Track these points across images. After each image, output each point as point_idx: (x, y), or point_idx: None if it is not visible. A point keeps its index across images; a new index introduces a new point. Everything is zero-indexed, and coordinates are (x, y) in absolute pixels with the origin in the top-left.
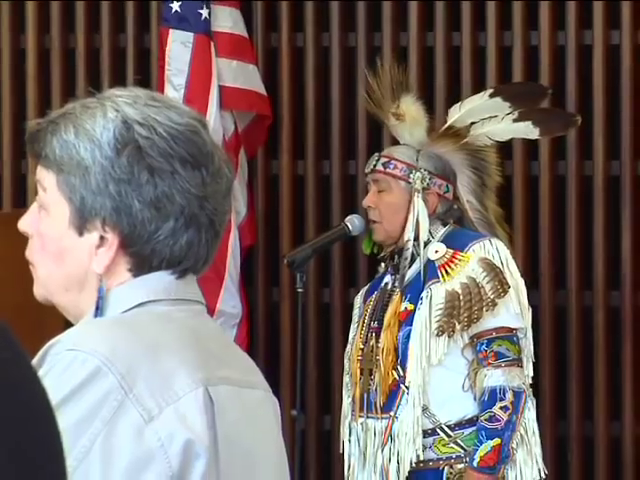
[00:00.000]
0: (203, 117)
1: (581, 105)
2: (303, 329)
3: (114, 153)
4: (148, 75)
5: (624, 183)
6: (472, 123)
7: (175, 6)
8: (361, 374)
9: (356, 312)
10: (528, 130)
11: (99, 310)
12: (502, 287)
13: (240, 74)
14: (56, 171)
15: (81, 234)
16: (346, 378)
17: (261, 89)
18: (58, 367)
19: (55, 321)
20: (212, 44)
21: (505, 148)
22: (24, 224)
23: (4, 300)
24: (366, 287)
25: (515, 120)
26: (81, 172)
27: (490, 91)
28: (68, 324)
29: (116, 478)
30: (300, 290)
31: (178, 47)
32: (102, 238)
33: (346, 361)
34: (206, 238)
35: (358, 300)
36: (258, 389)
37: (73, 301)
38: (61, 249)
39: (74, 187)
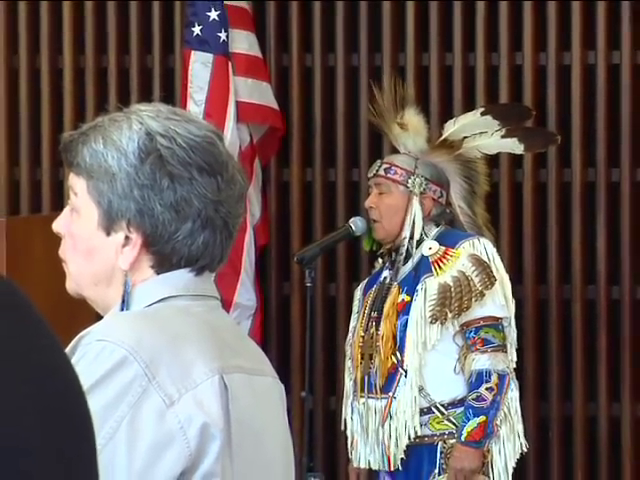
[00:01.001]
0: (220, 130)
1: (560, 119)
2: (311, 319)
3: (138, 161)
4: (173, 92)
5: (599, 189)
6: (465, 137)
7: (197, 30)
8: (362, 359)
9: (356, 303)
10: (514, 146)
11: (125, 304)
12: (489, 280)
13: (255, 91)
14: (86, 177)
15: (108, 234)
16: (347, 363)
17: (274, 104)
18: (89, 356)
19: (87, 314)
20: (230, 64)
21: (492, 157)
22: (57, 225)
23: (43, 295)
24: (365, 281)
25: (503, 136)
26: (108, 178)
27: (482, 109)
28: (99, 317)
29: (140, 457)
30: (309, 285)
31: (199, 67)
32: (127, 238)
33: (347, 347)
34: (221, 239)
35: (358, 293)
36: (267, 376)
37: (101, 295)
38: (90, 248)
39: (102, 192)
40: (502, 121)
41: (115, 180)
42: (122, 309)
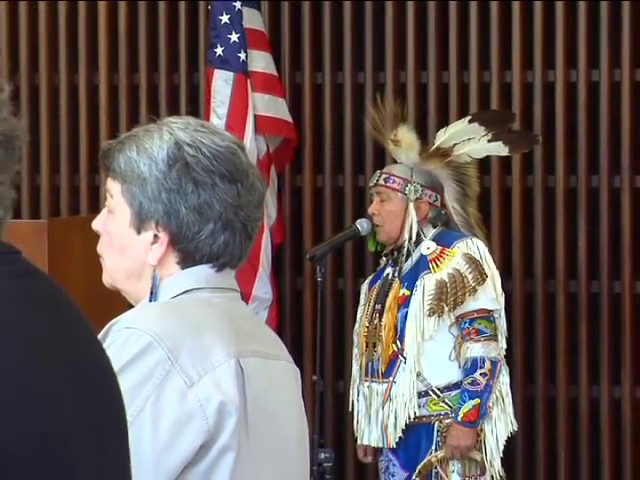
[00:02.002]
0: (242, 142)
1: (545, 131)
2: (322, 311)
3: (166, 168)
4: (197, 106)
5: (580, 194)
6: (455, 144)
7: (219, 51)
8: (366, 346)
9: (362, 297)
10: (500, 148)
11: (153, 295)
12: (481, 277)
13: (271, 105)
14: (121, 181)
15: (139, 233)
16: (355, 350)
17: (288, 117)
18: (118, 341)
19: (119, 306)
20: (249, 81)
21: (484, 164)
22: (96, 224)
23: (80, 289)
24: (370, 277)
25: (489, 140)
26: (140, 182)
27: (469, 117)
28: (130, 308)
29: (163, 432)
30: (319, 279)
31: (221, 84)
32: (156, 236)
33: (355, 336)
34: (240, 239)
35: (364, 287)
36: (282, 360)
37: (133, 287)
38: (123, 245)
39: (134, 194)
40: (488, 127)
41: (146, 184)
42: (151, 300)
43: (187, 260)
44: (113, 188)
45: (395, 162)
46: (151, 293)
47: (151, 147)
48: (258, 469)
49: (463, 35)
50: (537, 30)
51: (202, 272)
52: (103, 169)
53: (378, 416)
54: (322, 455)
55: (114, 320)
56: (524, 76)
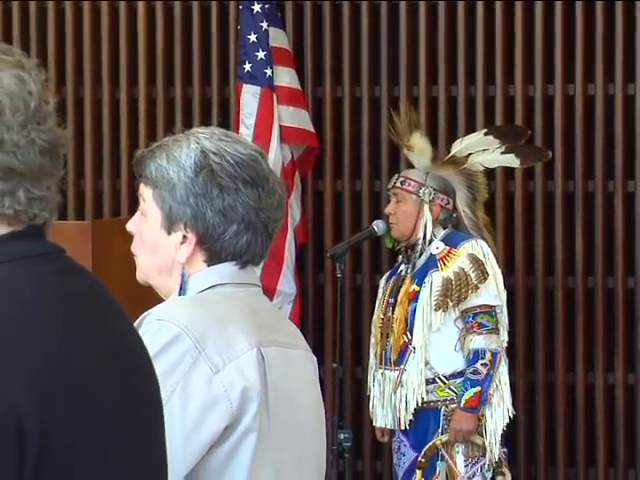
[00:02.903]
0: (263, 150)
1: (545, 140)
2: (341, 304)
3: (194, 174)
4: (228, 117)
5: (577, 198)
6: (470, 154)
7: (247, 67)
8: (381, 337)
9: (380, 291)
10: (512, 160)
11: (182, 290)
12: (483, 275)
13: (295, 117)
14: (152, 187)
15: (169, 233)
16: (372, 339)
17: (310, 128)
18: (150, 332)
19: (155, 300)
20: (274, 95)
21: (489, 171)
22: (130, 226)
23: (121, 285)
24: (387, 273)
25: (502, 153)
26: (170, 188)
27: (485, 130)
28: (162, 302)
29: (191, 415)
30: (339, 276)
31: (249, 97)
32: (184, 237)
33: (372, 327)
34: (261, 239)
35: (382, 282)
36: (300, 349)
37: (164, 283)
38: (155, 244)
39: (164, 199)
40: (502, 140)
41: (175, 189)
42: (180, 294)
43: (213, 258)
44: (145, 193)
45: (412, 167)
46: (180, 288)
47: (180, 155)
48: (278, 449)
49: (470, 53)
50: (537, 48)
51: (226, 269)
52: (136, 175)
53: (391, 400)
54: (341, 435)
55: (146, 312)
56: (526, 90)
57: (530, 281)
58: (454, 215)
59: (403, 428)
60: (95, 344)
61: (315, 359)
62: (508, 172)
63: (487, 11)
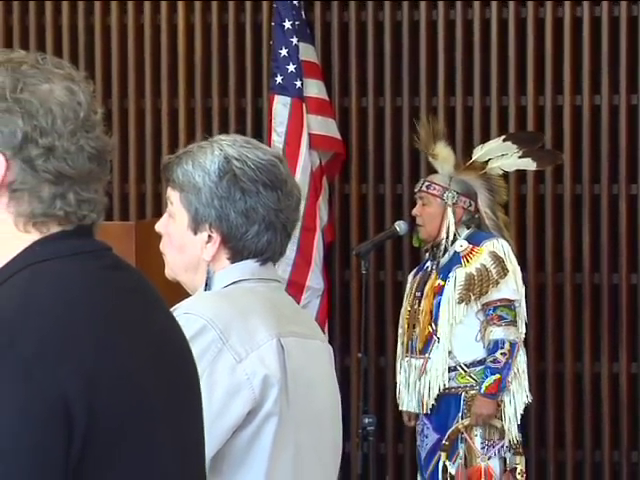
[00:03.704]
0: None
1: (555, 147)
2: (366, 298)
3: (218, 178)
4: (261, 126)
5: (584, 200)
6: (490, 159)
7: (279, 79)
8: (408, 327)
9: (408, 286)
10: (529, 164)
11: (207, 286)
12: (503, 271)
13: (323, 125)
14: (179, 190)
15: (195, 234)
16: (400, 330)
17: (337, 135)
18: None
19: (188, 295)
20: (304, 105)
21: (504, 176)
22: (159, 227)
23: (162, 281)
24: (415, 269)
25: (520, 157)
26: (195, 191)
27: (503, 137)
28: (189, 296)
29: (216, 401)
30: (364, 272)
31: (281, 107)
32: (209, 236)
33: (400, 319)
34: (280, 238)
35: (410, 278)
36: (317, 340)
37: (191, 279)
38: (182, 244)
39: (191, 201)
40: (519, 145)
41: (200, 193)
42: (205, 290)
43: (236, 256)
44: (173, 196)
45: (433, 171)
46: (206, 284)
47: (204, 161)
48: (297, 432)
49: (485, 66)
50: (548, 62)
51: (248, 266)
52: (164, 180)
53: (416, 386)
54: (366, 420)
55: (175, 306)
56: (537, 100)
57: (541, 277)
58: (476, 216)
59: (426, 412)
60: (139, 334)
61: (331, 349)
62: (521, 176)
63: (500, 29)
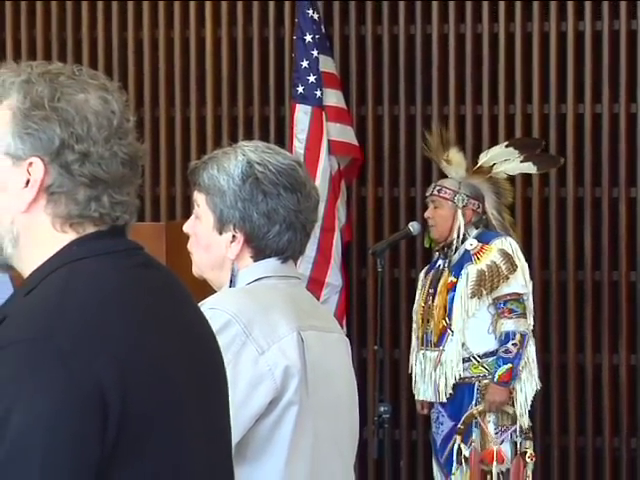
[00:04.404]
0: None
1: (558, 153)
2: (381, 295)
3: (241, 182)
4: (284, 133)
5: (586, 202)
6: (494, 164)
7: (300, 89)
8: (422, 322)
9: (419, 283)
10: (530, 167)
11: (232, 283)
12: (512, 267)
13: (341, 132)
14: (205, 193)
15: (220, 234)
16: (414, 325)
17: (355, 141)
18: None
19: (211, 291)
20: (324, 113)
21: (510, 179)
22: (186, 228)
23: (191, 279)
24: (425, 268)
25: (521, 161)
26: (220, 194)
27: (506, 143)
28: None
29: (240, 391)
30: (380, 270)
31: (302, 115)
32: (234, 236)
33: (414, 314)
34: (300, 237)
35: (421, 276)
36: (334, 333)
37: (216, 277)
38: (208, 243)
39: (216, 204)
40: (521, 150)
41: (225, 195)
42: (230, 286)
43: (259, 255)
44: (199, 198)
45: (444, 176)
46: (230, 281)
47: (228, 166)
48: (316, 420)
49: (493, 77)
50: (552, 72)
51: (270, 264)
52: (191, 183)
53: (431, 377)
54: (381, 408)
55: (201, 302)
56: (542, 109)
57: (545, 275)
58: (484, 217)
59: (441, 401)
60: (170, 329)
61: (348, 341)
62: (526, 180)
63: (508, 42)
